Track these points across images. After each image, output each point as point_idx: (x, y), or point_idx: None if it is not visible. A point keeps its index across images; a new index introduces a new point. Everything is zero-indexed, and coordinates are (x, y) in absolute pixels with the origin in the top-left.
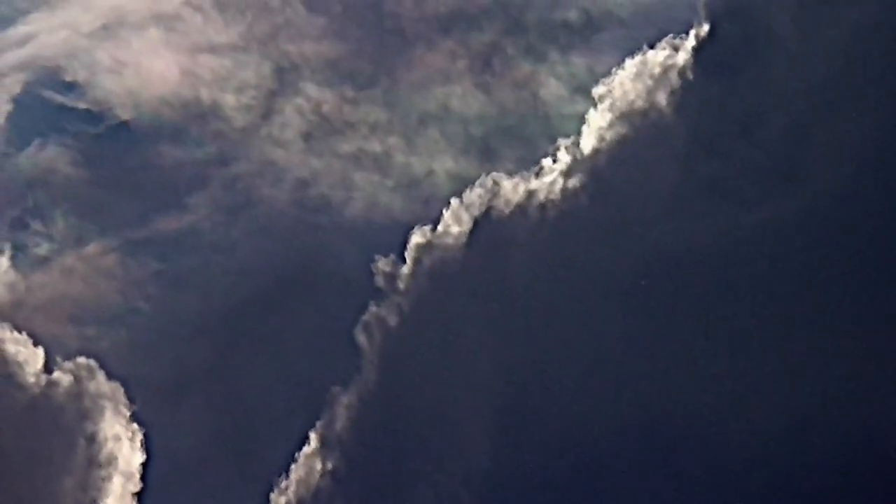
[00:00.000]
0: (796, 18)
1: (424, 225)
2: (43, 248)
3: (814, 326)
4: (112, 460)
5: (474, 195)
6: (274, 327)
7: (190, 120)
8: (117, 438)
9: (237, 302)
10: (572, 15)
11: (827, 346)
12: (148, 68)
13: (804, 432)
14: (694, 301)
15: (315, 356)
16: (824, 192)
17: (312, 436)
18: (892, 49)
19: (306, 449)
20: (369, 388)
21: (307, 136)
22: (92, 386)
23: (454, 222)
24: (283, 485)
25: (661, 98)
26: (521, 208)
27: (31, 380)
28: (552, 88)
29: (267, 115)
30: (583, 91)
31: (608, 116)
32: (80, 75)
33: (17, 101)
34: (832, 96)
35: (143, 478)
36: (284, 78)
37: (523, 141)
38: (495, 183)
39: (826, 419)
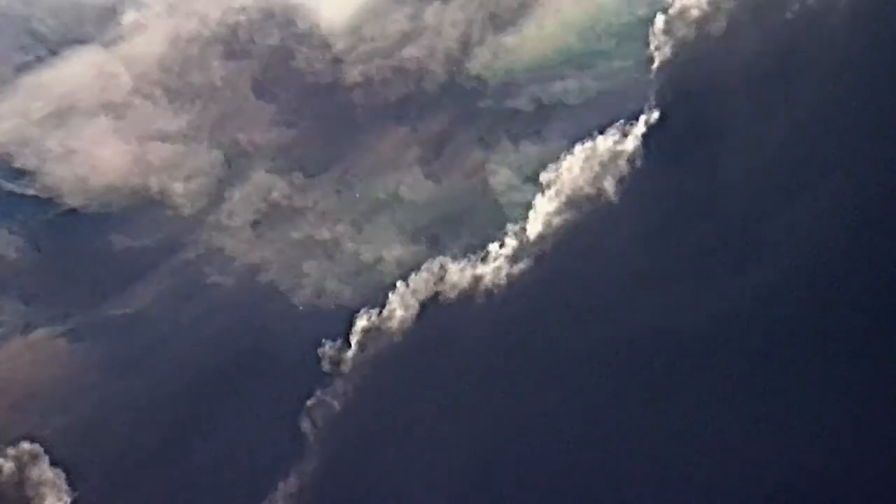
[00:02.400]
0: (746, 106)
1: (371, 308)
2: None
3: (770, 408)
4: None
5: (420, 280)
6: (220, 414)
7: (139, 207)
8: None
9: (184, 388)
10: (523, 103)
11: (784, 425)
12: (98, 156)
13: None
14: (640, 386)
15: (261, 442)
16: (775, 278)
17: None
18: (841, 136)
19: None
20: (313, 472)
21: (256, 224)
22: (35, 473)
23: (400, 307)
24: None
25: (609, 184)
26: (467, 293)
27: None
28: (502, 177)
29: (216, 202)
30: (533, 179)
31: (556, 202)
32: (31, 163)
33: None
34: (783, 183)
35: None
36: (234, 165)
37: (473, 229)
38: (442, 267)
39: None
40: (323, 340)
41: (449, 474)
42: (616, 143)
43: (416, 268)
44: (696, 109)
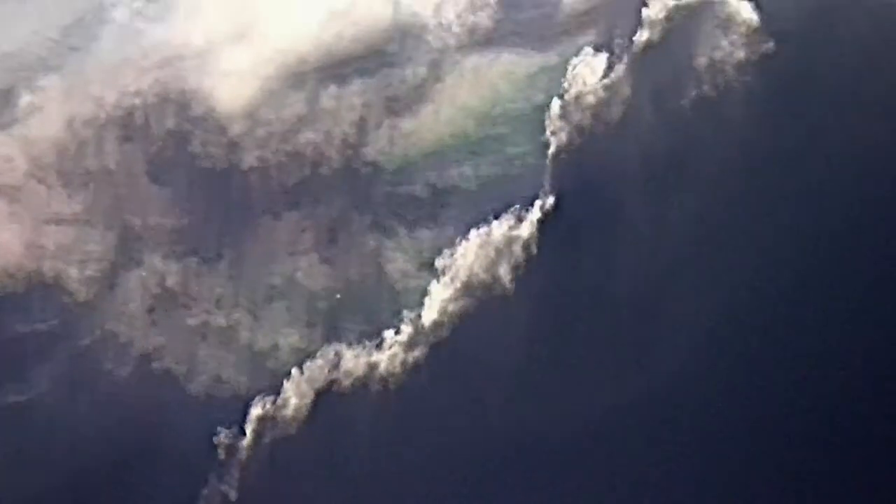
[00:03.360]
0: (642, 192)
1: (266, 396)
2: None
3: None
4: None
5: (315, 367)
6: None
7: (33, 292)
8: None
9: (78, 478)
10: (419, 189)
11: None
12: None
13: None
14: (535, 478)
15: None
16: (673, 373)
17: None
18: (738, 223)
19: None
20: None
21: (151, 310)
22: None
23: (295, 394)
24: None
25: (504, 271)
26: (362, 381)
27: None
28: (398, 263)
29: (111, 287)
30: (428, 265)
31: (451, 289)
32: None
33: None
34: (680, 271)
35: None
36: (128, 250)
37: (368, 315)
38: (336, 354)
39: None
40: (218, 429)
41: None
42: (511, 228)
43: (311, 355)
44: (592, 195)
